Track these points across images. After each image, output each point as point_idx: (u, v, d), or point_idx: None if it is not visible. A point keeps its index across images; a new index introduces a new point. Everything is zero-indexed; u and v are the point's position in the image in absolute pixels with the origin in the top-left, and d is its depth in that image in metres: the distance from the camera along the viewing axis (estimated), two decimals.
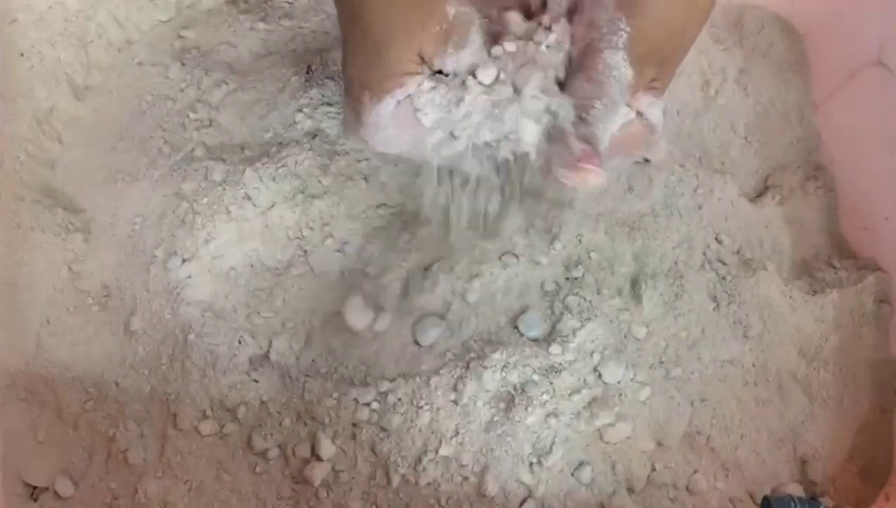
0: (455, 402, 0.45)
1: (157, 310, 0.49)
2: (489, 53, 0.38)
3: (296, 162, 0.52)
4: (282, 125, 0.55)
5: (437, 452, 0.44)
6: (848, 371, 0.51)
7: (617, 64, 0.36)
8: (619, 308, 0.50)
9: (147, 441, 0.47)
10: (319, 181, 0.52)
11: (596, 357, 0.47)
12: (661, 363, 0.49)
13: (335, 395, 0.46)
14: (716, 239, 0.54)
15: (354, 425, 0.46)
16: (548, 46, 0.37)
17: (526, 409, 0.45)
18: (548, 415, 0.45)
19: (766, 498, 0.45)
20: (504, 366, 0.46)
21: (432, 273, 0.50)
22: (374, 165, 0.53)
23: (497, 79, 0.38)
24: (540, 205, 0.52)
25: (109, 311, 0.50)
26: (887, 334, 0.52)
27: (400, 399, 0.46)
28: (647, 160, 0.56)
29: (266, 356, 0.49)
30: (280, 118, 0.55)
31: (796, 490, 0.47)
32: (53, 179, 0.54)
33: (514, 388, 0.46)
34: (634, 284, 0.51)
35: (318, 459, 0.45)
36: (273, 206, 0.52)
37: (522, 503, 0.44)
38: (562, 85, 0.38)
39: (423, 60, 0.37)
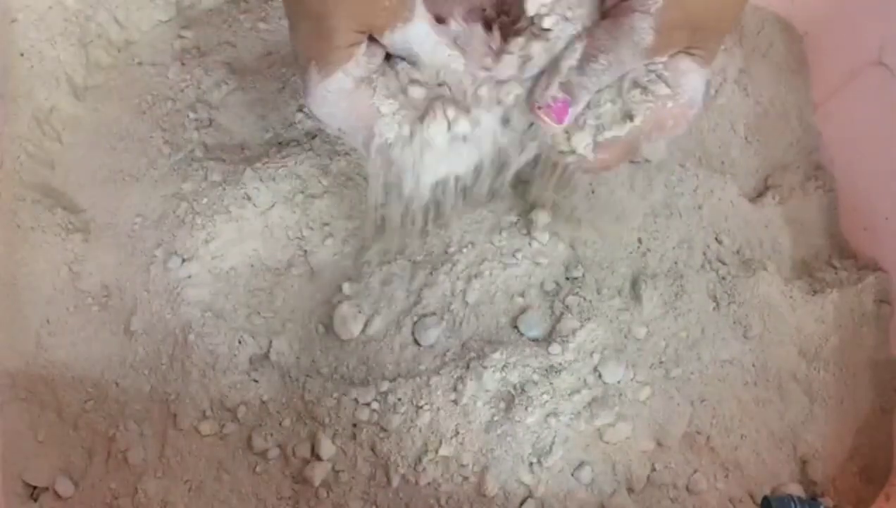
0: (455, 402, 0.45)
1: (157, 310, 0.49)
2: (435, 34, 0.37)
3: (296, 162, 0.52)
4: (282, 125, 0.55)
5: (437, 452, 0.44)
6: (848, 371, 0.51)
7: (641, 28, 0.36)
8: (619, 308, 0.50)
9: (147, 441, 0.47)
10: (319, 181, 0.52)
11: (596, 357, 0.47)
12: (661, 363, 0.49)
13: (335, 395, 0.47)
14: (716, 239, 0.54)
15: (354, 425, 0.46)
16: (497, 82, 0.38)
17: (526, 409, 0.45)
18: (548, 415, 0.45)
19: (766, 498, 0.45)
20: (504, 366, 0.46)
21: (432, 273, 0.50)
22: None
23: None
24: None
25: (109, 311, 0.50)
26: (887, 334, 0.52)
27: (400, 399, 0.46)
28: (647, 160, 0.56)
29: (266, 356, 0.49)
30: (280, 118, 0.55)
31: (796, 490, 0.47)
32: (53, 179, 0.54)
33: (514, 388, 0.46)
34: (634, 284, 0.51)
35: (318, 459, 0.45)
36: (273, 206, 0.52)
37: (522, 503, 0.44)
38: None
39: (369, 35, 0.36)
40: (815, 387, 0.50)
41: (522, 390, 0.46)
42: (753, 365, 0.50)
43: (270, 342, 0.49)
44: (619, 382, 0.47)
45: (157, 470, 0.46)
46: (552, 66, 0.38)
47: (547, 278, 0.51)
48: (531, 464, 0.45)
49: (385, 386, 0.46)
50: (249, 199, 0.51)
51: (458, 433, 0.45)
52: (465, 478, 0.44)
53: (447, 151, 0.39)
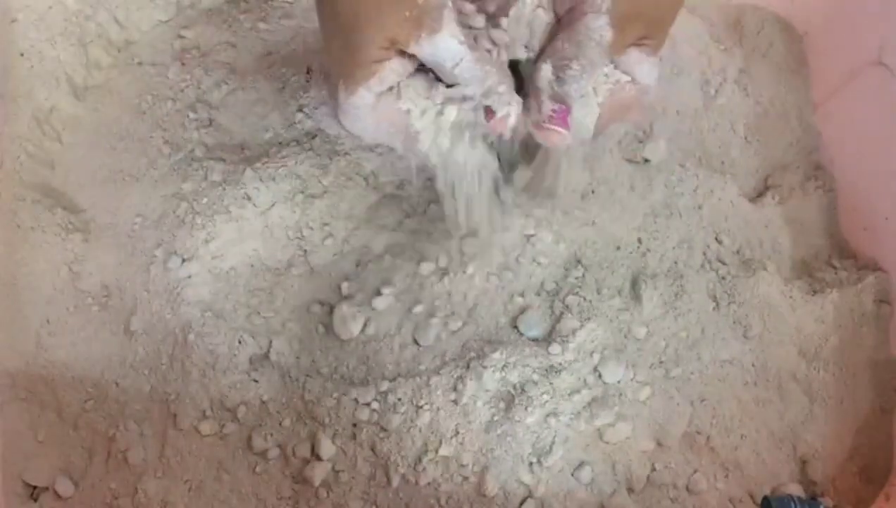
0: (455, 402, 0.45)
1: (157, 310, 0.49)
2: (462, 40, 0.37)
3: (296, 162, 0.52)
4: (282, 125, 0.55)
5: (437, 452, 0.44)
6: (848, 371, 0.51)
7: (599, 27, 0.38)
8: (619, 308, 0.50)
9: (147, 441, 0.47)
10: (319, 181, 0.52)
11: (596, 357, 0.47)
12: (661, 363, 0.49)
13: (335, 395, 0.46)
14: (716, 239, 0.54)
15: (354, 425, 0.46)
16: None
17: (526, 409, 0.45)
18: (548, 415, 0.45)
19: (766, 498, 0.45)
20: (504, 366, 0.46)
21: (433, 273, 0.50)
22: (375, 165, 0.53)
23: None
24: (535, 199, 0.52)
25: (109, 311, 0.50)
26: (887, 334, 0.52)
27: (400, 399, 0.46)
28: (647, 160, 0.56)
29: (266, 356, 0.49)
30: (280, 118, 0.55)
31: (796, 490, 0.47)
32: (53, 179, 0.54)
33: (514, 388, 0.46)
34: (634, 284, 0.51)
35: (318, 459, 0.45)
36: (273, 206, 0.52)
37: (522, 503, 0.44)
38: (542, 51, 0.39)
39: (395, 47, 0.37)
40: (815, 387, 0.50)
41: (522, 390, 0.46)
42: (753, 365, 0.50)
43: (270, 342, 0.49)
44: (619, 382, 0.47)
45: (157, 470, 0.46)
46: (531, 90, 0.39)
47: (547, 278, 0.51)
48: (531, 464, 0.45)
49: (385, 386, 0.46)
50: (249, 199, 0.51)
51: (458, 433, 0.45)
52: (465, 478, 0.44)
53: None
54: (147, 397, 0.48)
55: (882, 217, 0.54)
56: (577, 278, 0.50)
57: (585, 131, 0.41)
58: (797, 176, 0.59)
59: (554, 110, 0.38)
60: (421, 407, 0.45)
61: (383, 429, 0.45)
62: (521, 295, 0.50)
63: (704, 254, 0.53)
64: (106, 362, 0.49)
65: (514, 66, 0.40)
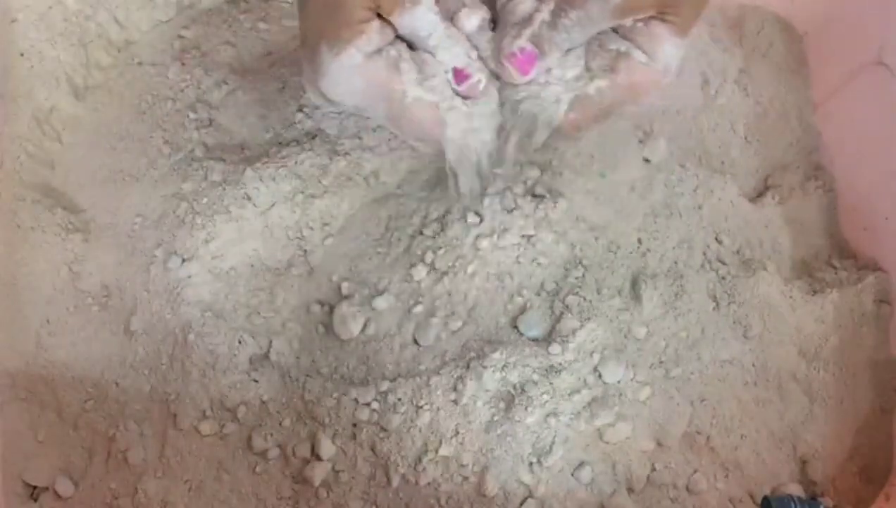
0: (455, 402, 0.45)
1: (157, 310, 0.49)
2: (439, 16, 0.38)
3: (296, 162, 0.52)
4: (282, 125, 0.55)
5: (437, 452, 0.44)
6: (848, 371, 0.51)
7: None
8: (619, 308, 0.50)
9: (147, 441, 0.47)
10: (319, 181, 0.52)
11: (596, 357, 0.47)
12: (661, 363, 0.49)
13: (335, 395, 0.47)
14: (716, 239, 0.54)
15: (354, 425, 0.46)
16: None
17: (526, 409, 0.45)
18: (548, 415, 0.45)
19: (766, 498, 0.45)
20: (504, 366, 0.46)
21: (432, 272, 0.50)
22: (375, 165, 0.53)
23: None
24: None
25: (109, 311, 0.50)
26: (887, 334, 0.52)
27: (400, 399, 0.46)
28: (647, 160, 0.56)
29: (266, 356, 0.49)
30: (280, 118, 0.55)
31: (796, 490, 0.47)
32: (53, 179, 0.54)
33: (514, 388, 0.46)
34: (634, 284, 0.51)
35: (318, 459, 0.45)
36: (273, 206, 0.52)
37: (522, 503, 0.44)
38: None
39: (376, 12, 0.37)
40: (815, 387, 0.50)
41: (522, 390, 0.46)
42: (753, 365, 0.50)
43: (270, 342, 0.49)
44: (619, 382, 0.47)
45: (157, 470, 0.46)
46: (525, 19, 0.38)
47: (547, 279, 0.51)
48: (531, 464, 0.45)
49: (385, 386, 0.46)
50: (249, 199, 0.51)
51: (458, 433, 0.45)
52: (465, 478, 0.44)
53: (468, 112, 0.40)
54: (147, 397, 0.48)
55: (882, 217, 0.54)
56: (577, 278, 0.50)
57: (547, 117, 0.40)
58: (797, 176, 0.59)
59: (521, 49, 0.37)
60: (421, 407, 0.45)
61: (383, 429, 0.45)
62: (521, 295, 0.50)
63: (704, 254, 0.53)
64: (106, 362, 0.49)
65: None
